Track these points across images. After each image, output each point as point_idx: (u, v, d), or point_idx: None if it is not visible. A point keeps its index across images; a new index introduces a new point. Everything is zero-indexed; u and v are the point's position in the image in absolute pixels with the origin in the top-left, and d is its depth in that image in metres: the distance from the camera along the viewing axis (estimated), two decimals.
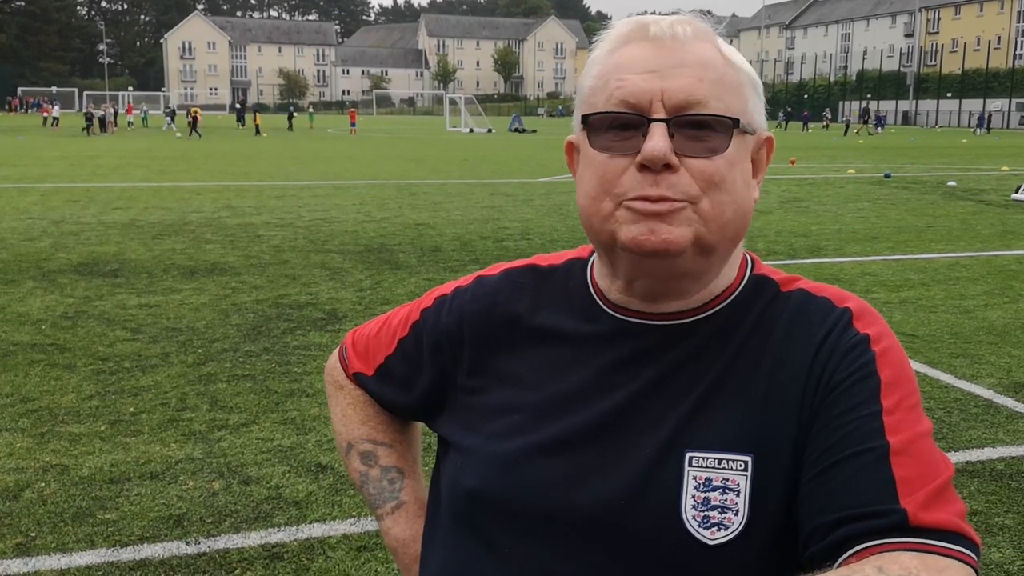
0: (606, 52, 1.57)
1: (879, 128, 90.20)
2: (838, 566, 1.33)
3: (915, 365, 8.88)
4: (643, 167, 1.46)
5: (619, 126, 1.49)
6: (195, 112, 64.88)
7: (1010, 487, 6.23)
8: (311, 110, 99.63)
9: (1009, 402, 7.91)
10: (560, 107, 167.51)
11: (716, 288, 1.61)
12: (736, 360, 1.56)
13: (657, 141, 1.44)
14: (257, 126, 70.16)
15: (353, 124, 74.02)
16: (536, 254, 1.89)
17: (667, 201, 1.46)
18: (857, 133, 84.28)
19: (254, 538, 5.44)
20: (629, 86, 1.49)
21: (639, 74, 1.49)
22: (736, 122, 1.50)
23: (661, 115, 1.46)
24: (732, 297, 1.62)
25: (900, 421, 1.42)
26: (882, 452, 1.39)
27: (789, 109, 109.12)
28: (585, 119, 1.54)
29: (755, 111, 1.57)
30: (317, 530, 5.57)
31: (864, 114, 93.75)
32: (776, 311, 1.60)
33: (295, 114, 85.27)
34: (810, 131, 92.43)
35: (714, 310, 1.61)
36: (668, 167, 1.46)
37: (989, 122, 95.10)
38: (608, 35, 1.60)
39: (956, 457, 6.70)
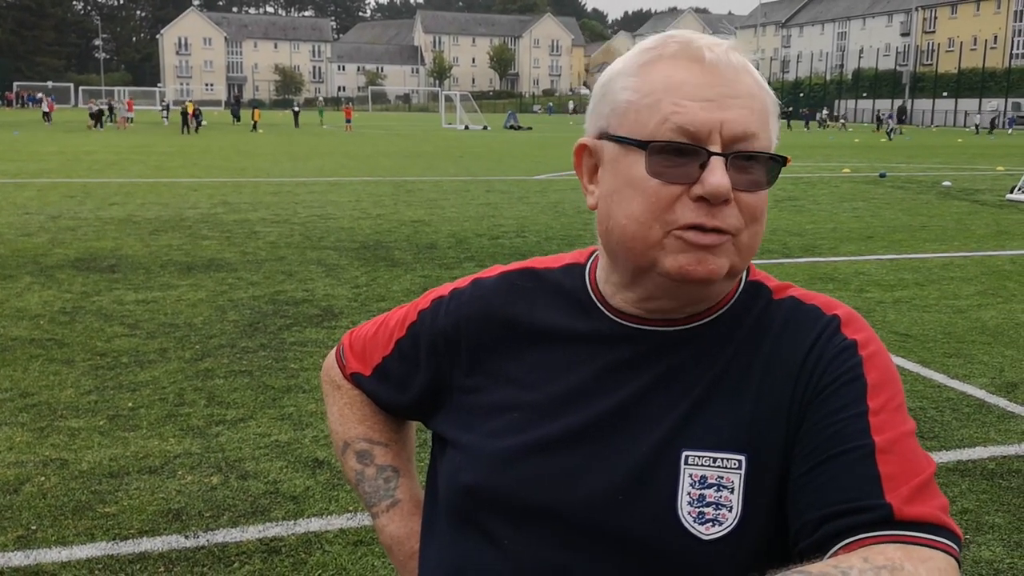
0: (644, 64, 1.56)
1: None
2: (826, 559, 1.37)
3: (908, 364, 8.94)
4: (700, 199, 1.48)
5: (675, 152, 1.50)
6: (192, 107, 64.97)
7: (1001, 486, 6.27)
8: (322, 106, 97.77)
9: (1001, 402, 7.95)
10: (551, 104, 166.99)
11: (714, 296, 1.65)
12: (731, 364, 1.60)
13: (720, 177, 1.46)
14: (255, 122, 70.10)
15: (348, 121, 73.51)
16: (532, 252, 1.90)
17: (718, 234, 1.49)
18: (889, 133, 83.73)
19: (252, 532, 5.48)
20: (689, 114, 1.49)
21: (697, 102, 1.49)
22: (784, 160, 1.55)
23: (718, 146, 1.48)
24: (730, 304, 1.66)
25: (885, 421, 1.46)
26: (868, 450, 1.43)
27: (825, 112, 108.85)
28: (644, 145, 1.51)
29: (776, 136, 1.59)
30: (314, 524, 5.61)
31: (901, 113, 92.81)
32: (769, 318, 1.64)
33: (298, 109, 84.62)
34: (809, 130, 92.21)
35: (711, 317, 1.65)
36: (724, 201, 1.49)
37: (993, 124, 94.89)
38: (645, 45, 1.59)
39: (948, 456, 6.75)
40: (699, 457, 1.54)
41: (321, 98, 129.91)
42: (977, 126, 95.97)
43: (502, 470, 1.64)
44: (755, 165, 1.51)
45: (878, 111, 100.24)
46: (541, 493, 1.60)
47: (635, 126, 1.53)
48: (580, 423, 1.62)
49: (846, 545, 1.37)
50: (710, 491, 1.53)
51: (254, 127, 69.25)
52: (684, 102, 1.49)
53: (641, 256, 1.55)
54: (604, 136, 1.61)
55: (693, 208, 1.49)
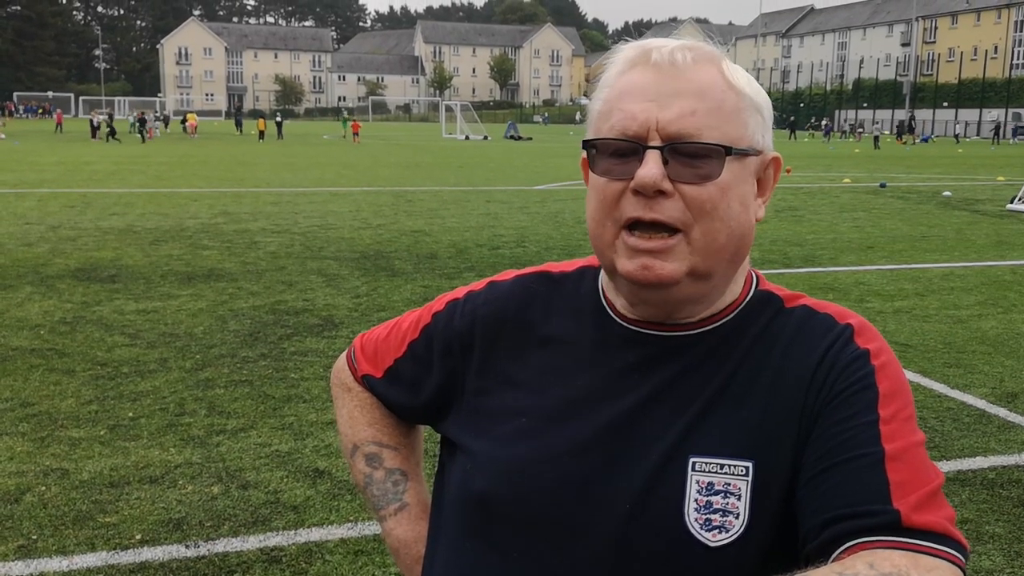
0: (614, 75, 1.62)
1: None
2: (831, 562, 1.37)
3: (908, 375, 8.90)
4: (637, 192, 1.52)
5: (618, 152, 1.55)
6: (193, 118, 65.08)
7: (1001, 496, 6.27)
8: (346, 115, 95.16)
9: (1001, 412, 7.95)
10: (545, 113, 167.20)
11: (722, 302, 1.66)
12: (739, 370, 1.61)
13: (651, 168, 1.50)
14: (261, 132, 70.21)
15: (356, 134, 72.71)
16: (532, 262, 1.91)
17: (660, 237, 1.52)
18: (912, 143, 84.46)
19: (252, 542, 5.48)
20: (628, 114, 1.54)
21: (638, 103, 1.54)
22: (728, 150, 1.54)
23: (656, 142, 1.51)
24: (737, 311, 1.67)
25: (896, 430, 1.47)
26: (877, 457, 1.44)
27: (826, 121, 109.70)
28: (587, 145, 1.60)
29: (757, 133, 1.60)
30: (315, 534, 5.61)
31: (902, 126, 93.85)
32: (780, 325, 1.65)
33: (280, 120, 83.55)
34: (829, 141, 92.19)
35: (720, 322, 1.66)
36: (661, 192, 1.51)
37: (997, 132, 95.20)
38: (616, 58, 1.64)
39: (948, 466, 6.75)
40: (706, 463, 1.55)
41: (345, 112, 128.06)
42: (958, 136, 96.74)
43: (512, 479, 1.64)
44: (702, 159, 1.53)
45: (899, 121, 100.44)
46: (550, 502, 1.60)
47: (595, 134, 1.60)
48: (588, 430, 1.63)
49: (850, 547, 1.38)
50: (717, 498, 1.53)
51: (261, 136, 69.39)
52: (627, 105, 1.55)
53: (602, 256, 1.60)
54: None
55: (633, 202, 1.53)
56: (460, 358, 1.81)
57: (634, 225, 1.53)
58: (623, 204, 1.53)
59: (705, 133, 1.52)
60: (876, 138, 76.87)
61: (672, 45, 1.59)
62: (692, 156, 1.52)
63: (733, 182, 1.56)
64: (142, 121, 65.52)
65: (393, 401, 1.97)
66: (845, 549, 1.38)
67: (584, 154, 1.70)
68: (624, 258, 1.54)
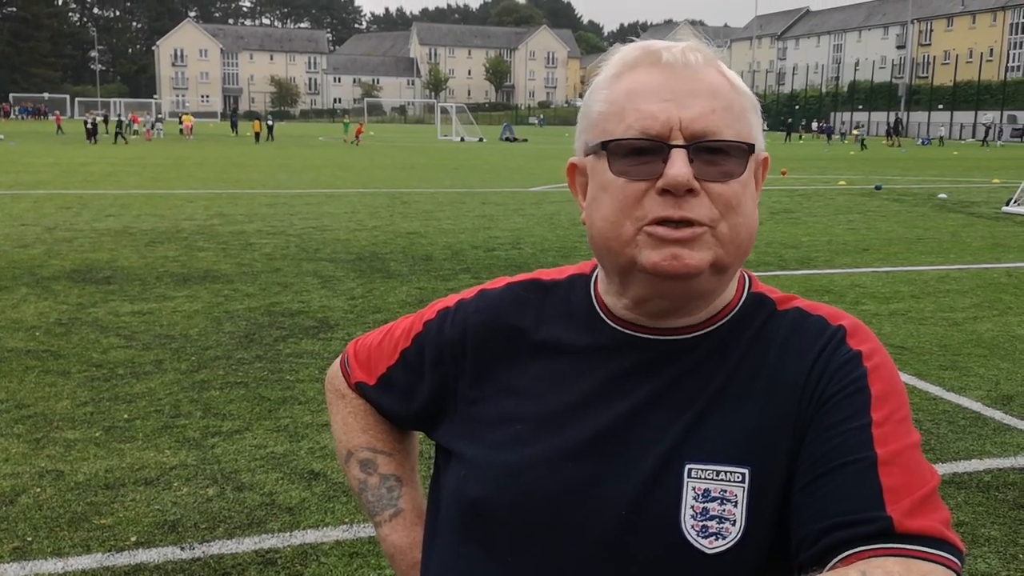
0: (612, 76, 1.60)
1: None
2: (826, 571, 1.37)
3: (904, 377, 8.91)
4: (664, 191, 1.50)
5: (638, 151, 1.53)
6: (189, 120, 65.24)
7: (996, 498, 6.27)
8: (347, 119, 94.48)
9: (997, 414, 7.95)
10: (541, 116, 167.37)
11: (717, 305, 1.66)
12: (734, 375, 1.60)
13: (680, 167, 1.48)
14: (257, 133, 70.30)
15: (358, 136, 72.33)
16: (527, 264, 1.90)
17: (689, 227, 1.50)
18: (897, 146, 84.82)
19: (248, 544, 5.48)
20: (647, 114, 1.52)
21: (656, 102, 1.52)
22: (752, 147, 1.56)
23: (680, 141, 1.50)
24: (732, 314, 1.66)
25: (889, 433, 1.46)
26: (870, 462, 1.43)
27: (822, 123, 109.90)
28: (606, 145, 1.56)
29: (758, 133, 1.61)
30: (310, 536, 5.61)
31: (898, 125, 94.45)
32: (773, 328, 1.64)
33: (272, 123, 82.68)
34: (818, 142, 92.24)
35: (714, 326, 1.65)
36: (690, 191, 1.50)
37: (987, 134, 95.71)
38: (613, 59, 1.63)
39: (944, 468, 6.75)
40: (703, 470, 1.54)
41: (348, 115, 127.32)
42: (942, 138, 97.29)
43: (506, 484, 1.63)
44: (724, 156, 1.53)
45: (888, 125, 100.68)
46: (546, 508, 1.60)
47: (604, 135, 1.57)
48: (584, 436, 1.62)
49: (845, 558, 1.36)
50: (714, 504, 1.52)
51: (257, 138, 69.50)
52: (644, 105, 1.53)
53: (619, 255, 1.57)
54: (586, 151, 1.64)
55: (660, 202, 1.51)
56: (452, 366, 1.80)
57: (658, 221, 1.52)
58: (646, 204, 1.52)
59: (725, 131, 1.52)
60: (861, 140, 77.30)
61: (681, 46, 1.58)
62: (715, 154, 1.52)
63: (748, 180, 1.57)
64: (119, 123, 66.15)
65: (386, 408, 1.96)
66: (840, 560, 1.37)
67: (573, 159, 1.70)
68: (649, 249, 1.52)
